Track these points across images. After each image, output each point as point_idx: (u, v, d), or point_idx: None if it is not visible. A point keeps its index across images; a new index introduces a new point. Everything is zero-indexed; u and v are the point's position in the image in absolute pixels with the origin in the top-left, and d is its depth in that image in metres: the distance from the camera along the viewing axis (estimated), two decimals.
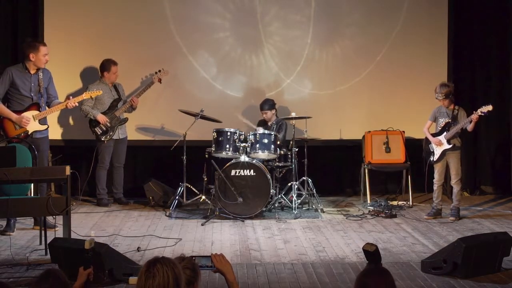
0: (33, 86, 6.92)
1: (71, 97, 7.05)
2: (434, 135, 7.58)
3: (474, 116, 7.28)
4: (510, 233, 5.84)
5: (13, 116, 6.81)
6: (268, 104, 8.26)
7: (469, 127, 7.42)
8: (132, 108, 8.26)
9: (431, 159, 7.61)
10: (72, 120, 8.66)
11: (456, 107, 7.54)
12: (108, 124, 8.09)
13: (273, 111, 8.30)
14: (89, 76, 8.54)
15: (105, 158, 8.18)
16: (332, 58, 8.90)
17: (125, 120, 8.23)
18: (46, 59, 6.89)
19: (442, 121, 7.54)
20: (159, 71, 8.31)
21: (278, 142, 7.79)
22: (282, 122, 8.24)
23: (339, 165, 9.20)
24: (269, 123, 8.33)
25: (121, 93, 8.27)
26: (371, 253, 3.47)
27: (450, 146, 7.48)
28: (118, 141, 8.24)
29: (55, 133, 8.48)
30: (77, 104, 7.14)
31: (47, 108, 7.03)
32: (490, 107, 7.24)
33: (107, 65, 8.11)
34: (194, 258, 3.34)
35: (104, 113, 8.09)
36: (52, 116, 7.89)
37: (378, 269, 3.02)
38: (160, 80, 8.32)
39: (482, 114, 7.28)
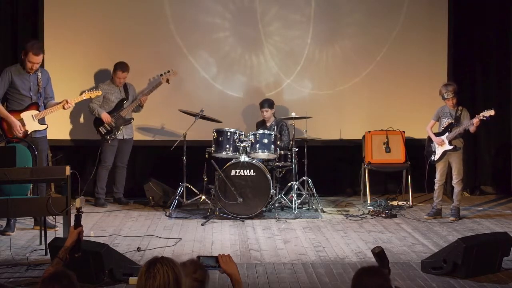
0: (32, 85, 6.92)
1: (68, 99, 7.06)
2: (437, 134, 7.58)
3: (475, 120, 7.27)
4: (510, 233, 5.85)
5: (10, 118, 6.80)
6: (268, 102, 8.27)
7: (471, 129, 7.42)
8: (140, 107, 8.26)
9: (432, 158, 7.61)
10: (77, 119, 8.65)
11: (460, 108, 7.53)
12: (113, 124, 8.09)
13: (272, 111, 8.30)
14: (89, 76, 8.54)
15: (108, 157, 8.17)
16: (332, 58, 8.90)
17: (130, 121, 8.22)
18: (31, 66, 6.80)
19: (445, 121, 7.53)
20: (168, 71, 8.30)
21: (278, 142, 7.79)
22: (282, 124, 8.24)
23: (339, 165, 9.20)
24: (268, 124, 8.33)
25: (130, 94, 8.26)
26: (376, 254, 3.47)
27: (451, 147, 7.47)
28: (123, 142, 8.24)
29: (59, 132, 8.48)
30: (73, 105, 7.13)
31: (45, 108, 7.04)
32: (492, 112, 7.23)
33: (115, 68, 8.11)
34: (199, 257, 3.33)
35: (109, 112, 8.09)
36: (57, 116, 7.86)
37: (371, 269, 3.02)
38: (168, 81, 8.31)
39: (484, 119, 7.27)
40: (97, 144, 8.24)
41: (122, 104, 8.17)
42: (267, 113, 8.26)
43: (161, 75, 8.30)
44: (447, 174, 7.76)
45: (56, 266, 3.71)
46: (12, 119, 6.80)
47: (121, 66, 8.09)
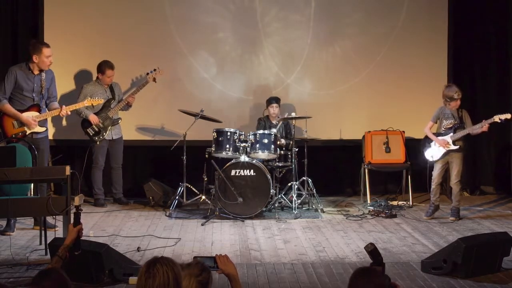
0: (35, 87, 6.92)
1: (63, 106, 7.10)
2: (437, 135, 7.55)
3: (485, 125, 7.24)
4: (510, 233, 5.85)
5: (22, 116, 6.82)
6: (276, 99, 8.32)
7: (474, 132, 7.38)
8: (128, 106, 8.23)
9: (432, 158, 7.58)
10: (70, 120, 8.62)
11: (460, 109, 7.52)
12: (101, 125, 8.06)
13: (279, 108, 8.32)
14: (89, 76, 8.53)
15: (99, 158, 8.15)
16: (332, 58, 8.90)
17: (117, 121, 8.19)
18: (49, 61, 6.87)
19: (449, 123, 7.48)
20: (154, 70, 8.26)
21: (278, 142, 7.79)
22: (289, 123, 8.22)
23: (339, 165, 9.19)
24: (274, 121, 8.33)
25: (116, 93, 8.22)
26: (369, 252, 3.50)
27: (457, 147, 7.43)
28: (113, 142, 8.20)
29: (54, 133, 8.48)
30: (69, 113, 7.16)
31: (47, 110, 7.05)
32: (508, 115, 7.19)
33: (103, 67, 8.05)
34: (196, 258, 3.33)
35: (96, 113, 8.06)
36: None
37: (367, 270, 3.02)
38: (154, 80, 8.26)
39: (499, 121, 7.25)
40: (87, 144, 8.20)
41: (109, 105, 8.13)
42: (276, 109, 8.27)
43: (148, 74, 8.26)
44: (445, 174, 7.73)
45: (55, 265, 3.71)
46: (24, 117, 6.83)
47: (110, 65, 8.04)
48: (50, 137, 8.39)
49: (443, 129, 7.54)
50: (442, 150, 7.48)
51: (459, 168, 7.49)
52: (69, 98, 8.31)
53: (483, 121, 7.30)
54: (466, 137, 7.54)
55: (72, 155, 8.65)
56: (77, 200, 4.16)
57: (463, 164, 7.57)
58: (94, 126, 8.04)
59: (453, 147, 7.44)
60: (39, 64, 6.84)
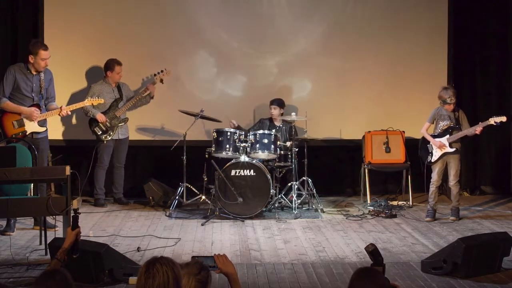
0: (34, 86, 6.92)
1: (63, 106, 7.10)
2: (434, 136, 7.53)
3: (479, 129, 7.23)
4: (510, 233, 5.85)
5: (23, 109, 6.83)
6: (278, 101, 8.29)
7: (470, 134, 7.37)
8: (150, 97, 8.22)
9: (429, 159, 7.56)
10: (73, 120, 8.64)
11: (457, 110, 7.52)
12: (108, 124, 8.08)
13: (281, 111, 8.30)
14: (89, 76, 8.54)
15: (104, 158, 8.16)
16: (332, 58, 8.90)
17: (125, 120, 8.21)
18: (44, 63, 6.85)
19: (445, 124, 7.48)
20: (161, 71, 8.29)
21: (278, 142, 7.79)
22: (290, 125, 8.20)
23: (339, 165, 9.19)
24: (277, 124, 8.31)
25: (124, 93, 8.25)
26: (369, 252, 3.50)
27: (453, 149, 7.43)
28: (119, 142, 8.22)
29: (56, 132, 8.47)
30: (69, 113, 7.17)
31: (46, 110, 7.06)
32: (504, 118, 7.18)
33: (111, 64, 8.08)
34: (195, 257, 3.33)
35: (104, 113, 8.08)
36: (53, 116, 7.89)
37: (367, 270, 3.02)
38: (162, 81, 8.29)
39: (494, 124, 7.24)
40: (92, 144, 8.22)
41: (117, 104, 8.15)
42: (275, 110, 8.27)
43: (155, 75, 8.28)
44: (443, 175, 7.72)
45: (54, 268, 3.72)
46: (26, 109, 6.84)
47: (117, 62, 8.08)
48: (58, 137, 8.46)
49: (439, 130, 7.52)
50: (440, 152, 7.46)
51: (457, 169, 7.48)
52: (68, 98, 8.33)
53: (479, 123, 7.29)
54: (463, 138, 7.53)
55: (77, 155, 8.65)
56: (75, 203, 4.16)
57: (460, 164, 7.56)
58: (101, 125, 8.05)
59: (449, 150, 7.43)
60: (34, 65, 6.85)
